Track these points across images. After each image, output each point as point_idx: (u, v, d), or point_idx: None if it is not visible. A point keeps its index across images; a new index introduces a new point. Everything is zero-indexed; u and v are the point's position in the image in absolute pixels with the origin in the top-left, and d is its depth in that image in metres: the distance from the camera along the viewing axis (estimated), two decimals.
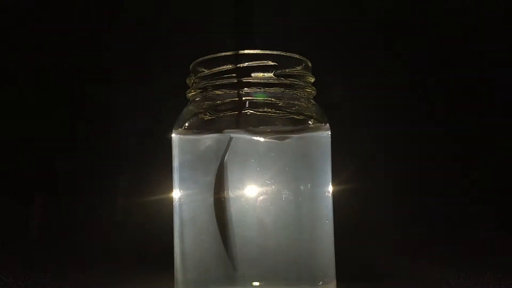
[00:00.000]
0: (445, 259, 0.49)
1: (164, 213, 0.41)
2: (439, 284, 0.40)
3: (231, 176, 0.34)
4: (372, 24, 0.64)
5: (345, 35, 0.63)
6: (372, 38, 0.63)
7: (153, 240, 0.53)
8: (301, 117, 0.36)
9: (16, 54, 0.63)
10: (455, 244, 0.56)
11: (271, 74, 0.35)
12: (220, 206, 0.33)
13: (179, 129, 0.37)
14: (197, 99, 0.37)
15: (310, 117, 0.36)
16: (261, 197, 0.34)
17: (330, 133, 0.37)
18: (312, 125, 0.36)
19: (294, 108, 0.36)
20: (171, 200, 0.38)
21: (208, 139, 0.36)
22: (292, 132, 0.35)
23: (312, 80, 0.38)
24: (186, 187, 0.36)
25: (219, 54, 0.36)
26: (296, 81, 0.36)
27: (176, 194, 0.37)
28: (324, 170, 0.36)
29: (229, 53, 0.36)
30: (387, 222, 0.60)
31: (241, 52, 0.36)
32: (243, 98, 0.35)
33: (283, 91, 0.36)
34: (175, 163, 0.37)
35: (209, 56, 0.37)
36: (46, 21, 0.63)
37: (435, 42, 0.64)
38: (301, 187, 0.35)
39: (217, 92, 0.36)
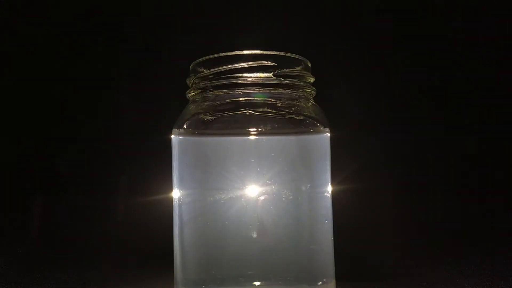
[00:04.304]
0: (445, 259, 0.49)
1: (164, 213, 0.41)
2: (439, 284, 0.40)
3: (232, 176, 0.34)
4: (373, 23, 0.64)
5: (346, 35, 0.63)
6: (372, 37, 0.63)
7: (153, 240, 0.53)
8: (301, 117, 0.36)
9: (15, 51, 0.63)
10: (455, 244, 0.56)
11: (270, 74, 0.36)
12: None
13: (179, 129, 0.37)
14: (197, 99, 0.37)
15: (310, 117, 0.36)
16: (261, 197, 0.34)
17: (329, 133, 0.37)
18: (312, 125, 0.36)
19: (293, 108, 0.36)
20: (171, 200, 0.38)
21: (208, 139, 0.36)
22: (291, 132, 0.35)
23: (312, 80, 0.38)
24: (186, 187, 0.36)
25: (219, 54, 0.36)
26: (296, 81, 0.36)
27: (176, 194, 0.37)
28: (324, 170, 0.36)
29: (228, 53, 0.36)
30: (387, 222, 0.60)
31: (241, 52, 0.36)
32: (243, 99, 0.35)
33: (282, 91, 0.36)
34: (175, 163, 0.37)
35: (209, 56, 0.37)
36: (46, 21, 0.63)
37: (436, 41, 0.64)
38: (301, 187, 0.35)
39: (217, 92, 0.36)
